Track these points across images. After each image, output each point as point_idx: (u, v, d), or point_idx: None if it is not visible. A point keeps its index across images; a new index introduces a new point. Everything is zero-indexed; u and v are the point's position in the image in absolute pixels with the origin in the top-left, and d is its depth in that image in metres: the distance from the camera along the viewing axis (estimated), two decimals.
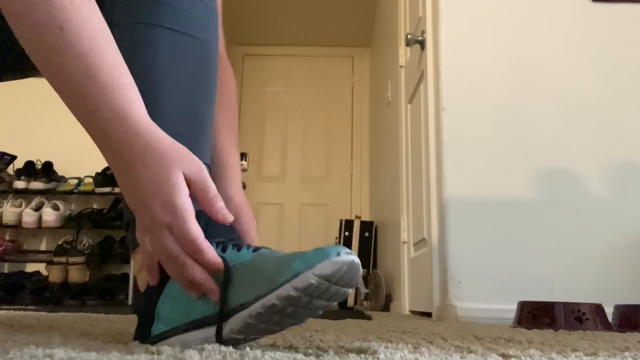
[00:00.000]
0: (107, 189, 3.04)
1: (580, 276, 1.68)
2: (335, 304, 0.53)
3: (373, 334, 0.84)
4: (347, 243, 3.33)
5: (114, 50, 0.53)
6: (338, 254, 0.49)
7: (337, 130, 4.37)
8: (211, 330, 0.52)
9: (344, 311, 2.53)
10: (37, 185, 3.06)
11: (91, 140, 0.53)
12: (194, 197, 0.52)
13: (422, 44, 2.09)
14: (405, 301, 2.36)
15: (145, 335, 0.57)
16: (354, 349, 0.56)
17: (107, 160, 0.53)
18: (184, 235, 0.49)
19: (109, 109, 0.50)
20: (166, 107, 0.62)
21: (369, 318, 1.61)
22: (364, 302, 3.06)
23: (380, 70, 3.70)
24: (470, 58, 1.86)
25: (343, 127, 4.38)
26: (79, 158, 3.19)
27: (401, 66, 2.65)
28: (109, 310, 1.87)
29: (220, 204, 0.52)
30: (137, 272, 0.62)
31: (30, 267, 3.14)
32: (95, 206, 3.19)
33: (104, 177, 3.05)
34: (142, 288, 0.59)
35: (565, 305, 1.31)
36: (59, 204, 3.05)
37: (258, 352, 0.48)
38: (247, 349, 0.50)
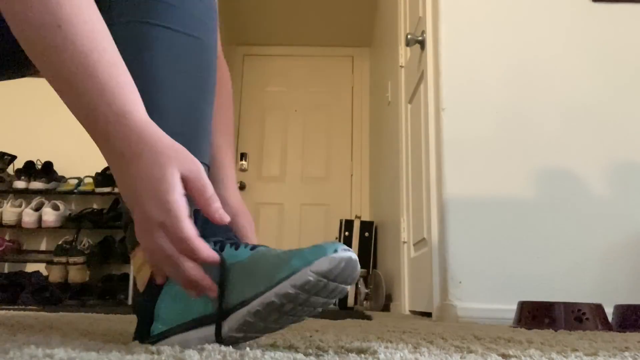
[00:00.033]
0: (107, 189, 3.04)
1: (580, 276, 1.68)
2: (334, 301, 0.53)
3: (373, 334, 0.84)
4: (347, 243, 3.33)
5: (113, 49, 0.53)
6: (335, 251, 0.49)
7: (337, 130, 4.38)
8: (210, 329, 0.52)
9: (344, 311, 2.53)
10: (37, 185, 3.06)
11: (91, 140, 0.53)
12: (191, 196, 0.52)
13: (422, 44, 2.09)
14: (405, 301, 2.36)
15: (144, 335, 0.57)
16: (354, 349, 0.56)
17: (106, 158, 0.53)
18: (177, 235, 0.49)
19: (108, 108, 0.50)
20: (165, 107, 0.62)
21: (369, 318, 1.61)
22: (364, 302, 3.06)
23: (380, 70, 3.70)
24: (470, 58, 1.86)
25: (343, 127, 4.38)
26: (79, 158, 3.19)
27: (401, 66, 2.65)
28: (109, 310, 1.87)
29: (216, 204, 0.52)
30: (137, 272, 0.62)
31: (30, 267, 3.14)
32: (95, 206, 3.19)
33: (104, 177, 3.05)
34: (141, 288, 0.59)
35: (565, 305, 1.31)
36: (59, 204, 3.05)
37: (258, 352, 0.48)
38: (247, 349, 0.50)
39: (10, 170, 3.19)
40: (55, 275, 2.84)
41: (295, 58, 4.51)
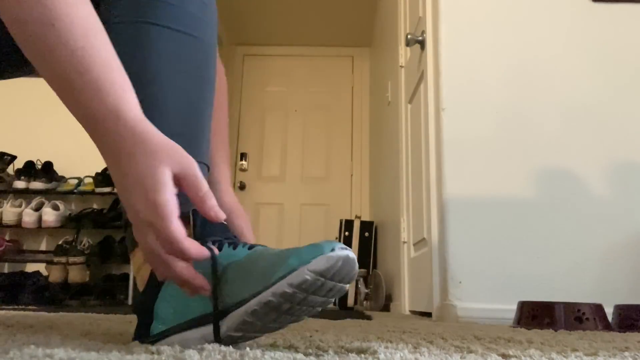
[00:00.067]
0: (107, 189, 3.04)
1: (580, 276, 1.68)
2: (333, 300, 0.53)
3: (373, 334, 0.84)
4: (347, 243, 3.33)
5: (107, 46, 0.53)
6: (332, 249, 0.49)
7: (337, 130, 4.38)
8: (209, 329, 0.52)
9: (344, 311, 2.53)
10: (37, 185, 3.06)
11: (91, 140, 0.53)
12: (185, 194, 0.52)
13: (422, 44, 2.09)
14: (405, 301, 2.36)
15: (144, 334, 0.57)
16: (354, 349, 0.56)
17: (103, 156, 0.53)
18: (165, 234, 0.49)
19: (101, 105, 0.50)
20: (165, 107, 0.62)
21: (369, 318, 1.61)
22: (364, 302, 3.06)
23: (380, 70, 3.70)
24: (470, 58, 1.86)
25: (343, 127, 4.38)
26: (79, 158, 3.19)
27: (401, 66, 2.65)
28: (109, 310, 1.87)
29: (211, 202, 0.52)
30: (136, 271, 0.62)
31: (30, 267, 3.14)
32: (95, 206, 3.19)
33: (104, 177, 3.05)
34: (140, 287, 0.59)
35: (565, 305, 1.31)
36: (59, 204, 3.05)
37: (258, 352, 0.48)
38: (247, 349, 0.50)
39: (10, 170, 3.19)
40: (55, 275, 2.83)
41: (295, 58, 4.51)
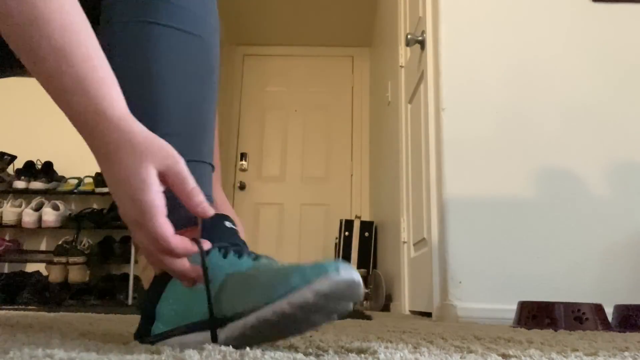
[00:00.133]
0: (107, 189, 3.04)
1: (580, 276, 1.68)
2: (335, 318, 0.51)
3: (373, 334, 0.84)
4: (347, 243, 3.33)
5: (91, 44, 0.52)
6: (337, 271, 0.47)
7: (337, 130, 4.38)
8: (208, 335, 0.52)
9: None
10: (37, 185, 3.06)
11: None
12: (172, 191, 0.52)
13: (422, 44, 2.09)
14: (405, 301, 2.36)
15: (145, 333, 0.57)
16: (354, 349, 0.56)
17: (94, 155, 0.53)
18: (151, 233, 0.49)
19: (85, 102, 0.50)
20: (168, 106, 0.61)
21: (369, 318, 1.61)
22: (364, 302, 3.06)
23: (380, 70, 3.70)
24: (470, 58, 1.86)
25: (343, 127, 4.38)
26: (79, 158, 3.19)
27: (401, 66, 2.65)
28: (109, 310, 1.87)
29: (198, 198, 0.52)
30: (142, 270, 0.62)
31: (30, 267, 3.14)
32: (95, 206, 3.19)
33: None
34: (146, 286, 0.60)
35: (565, 305, 1.31)
36: (59, 204, 3.05)
37: (258, 352, 0.47)
38: (247, 348, 0.50)
39: (10, 170, 3.19)
40: (55, 275, 2.83)
41: (295, 58, 4.51)
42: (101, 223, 3.01)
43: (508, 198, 1.74)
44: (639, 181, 1.75)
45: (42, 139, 3.35)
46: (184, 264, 0.52)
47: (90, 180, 3.13)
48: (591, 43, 1.86)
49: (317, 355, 0.50)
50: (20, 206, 3.03)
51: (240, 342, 0.50)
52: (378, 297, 2.87)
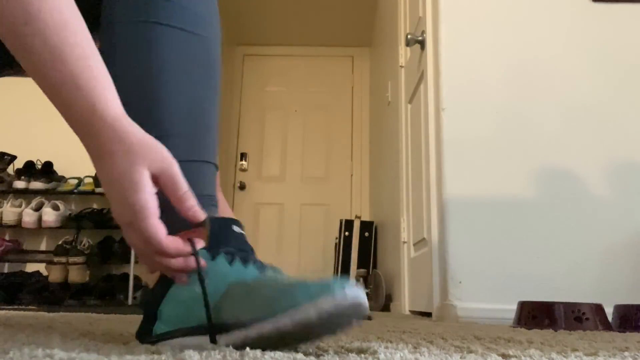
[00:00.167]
0: None
1: (580, 276, 1.68)
2: (337, 333, 0.50)
3: (373, 334, 0.84)
4: (347, 243, 3.33)
5: (86, 43, 0.52)
6: (343, 291, 0.46)
7: (337, 130, 4.38)
8: (208, 339, 0.52)
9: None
10: (37, 185, 3.06)
11: None
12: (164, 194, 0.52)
13: (422, 44, 2.09)
14: (405, 301, 2.36)
15: (147, 332, 0.57)
16: (354, 349, 0.56)
17: (89, 155, 0.53)
18: (144, 234, 0.49)
19: (79, 102, 0.50)
20: (171, 107, 0.61)
21: (369, 318, 1.61)
22: None
23: (380, 70, 3.70)
24: (470, 58, 1.86)
25: (343, 127, 4.39)
26: (79, 158, 3.19)
27: (401, 66, 2.65)
28: (109, 310, 1.87)
29: (190, 202, 0.52)
30: (148, 270, 0.62)
31: (30, 267, 3.14)
32: (95, 206, 3.19)
33: None
34: (151, 284, 0.59)
35: (565, 305, 1.31)
36: (59, 204, 3.05)
37: (258, 352, 0.47)
38: (247, 348, 0.50)
39: (10, 170, 3.19)
40: (55, 275, 2.83)
41: (295, 58, 4.51)
42: (101, 223, 3.01)
43: (508, 198, 1.74)
44: (639, 181, 1.75)
45: (42, 139, 3.35)
46: (177, 263, 0.52)
47: (90, 180, 3.13)
48: (591, 43, 1.86)
49: (317, 355, 0.50)
50: (20, 206, 3.03)
51: (240, 348, 0.50)
52: (378, 297, 2.87)
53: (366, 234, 3.35)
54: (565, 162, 1.77)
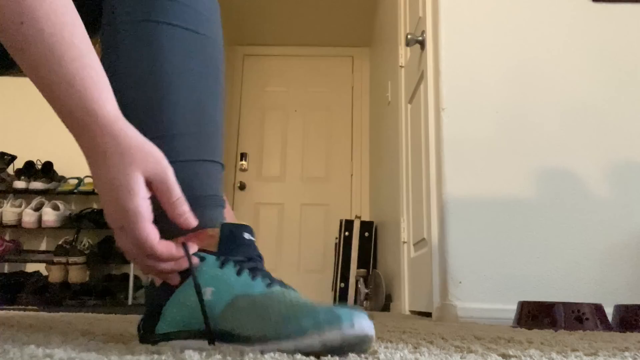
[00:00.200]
0: None
1: (580, 276, 1.68)
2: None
3: None
4: (347, 243, 3.33)
5: (83, 44, 0.51)
6: (351, 323, 0.45)
7: (337, 130, 4.38)
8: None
9: (342, 302, 2.53)
10: (37, 185, 3.06)
11: None
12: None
13: (422, 44, 2.09)
14: (405, 301, 2.36)
15: (149, 330, 0.57)
16: None
17: (83, 154, 0.53)
18: (135, 239, 0.49)
19: (74, 103, 0.50)
20: (177, 106, 0.61)
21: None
22: (364, 302, 3.06)
23: (380, 70, 3.70)
24: (470, 58, 1.86)
25: (343, 127, 4.39)
26: (79, 158, 3.19)
27: (401, 66, 2.65)
28: (109, 310, 1.87)
29: (182, 209, 0.51)
30: None
31: (30, 267, 3.14)
32: (95, 206, 3.19)
33: None
34: (157, 282, 0.59)
35: (565, 305, 1.31)
36: (59, 204, 3.05)
37: (258, 353, 0.47)
38: (247, 348, 0.50)
39: (10, 170, 3.19)
40: (55, 275, 2.83)
41: (295, 58, 4.51)
42: (101, 223, 3.01)
43: (508, 198, 1.74)
44: (639, 181, 1.75)
45: (42, 139, 3.35)
46: (167, 266, 0.52)
47: (90, 180, 3.13)
48: (591, 43, 1.86)
49: (317, 356, 0.50)
50: (20, 206, 3.03)
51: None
52: (378, 297, 2.87)
53: (366, 234, 3.35)
54: (565, 162, 1.77)
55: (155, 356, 0.44)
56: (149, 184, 0.50)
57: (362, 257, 3.29)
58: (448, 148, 1.78)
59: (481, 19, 1.89)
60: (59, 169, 3.25)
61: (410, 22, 2.48)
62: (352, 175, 4.27)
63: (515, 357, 0.55)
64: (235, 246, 0.56)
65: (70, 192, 3.13)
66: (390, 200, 2.93)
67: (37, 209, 3.03)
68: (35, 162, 3.18)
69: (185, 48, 0.63)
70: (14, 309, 1.79)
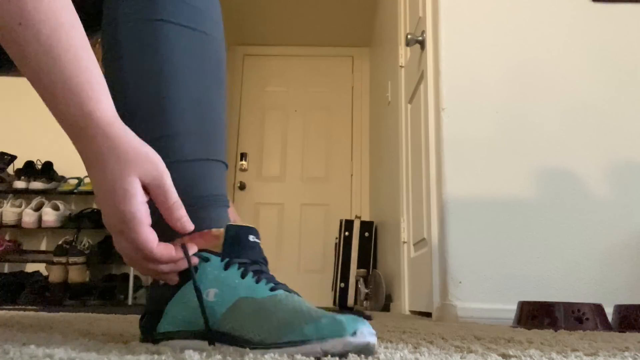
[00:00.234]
0: None
1: (580, 276, 1.68)
2: None
3: None
4: (347, 243, 3.33)
5: (80, 45, 0.51)
6: (354, 334, 0.45)
7: (337, 130, 4.38)
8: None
9: (344, 311, 2.53)
10: (37, 185, 3.06)
11: None
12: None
13: (422, 44, 2.09)
14: (405, 301, 2.36)
15: (150, 328, 0.57)
16: None
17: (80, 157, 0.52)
18: (134, 243, 0.49)
19: (70, 105, 0.49)
20: (181, 105, 0.61)
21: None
22: (364, 302, 3.06)
23: (380, 70, 3.70)
24: (470, 58, 1.86)
25: (343, 127, 4.39)
26: (79, 158, 3.16)
27: (401, 66, 2.65)
28: (109, 310, 1.87)
29: (179, 212, 0.51)
30: None
31: (30, 267, 3.14)
32: (95, 206, 3.19)
33: None
34: (161, 282, 0.59)
35: (565, 305, 1.31)
36: (59, 204, 3.05)
37: (258, 353, 0.47)
38: (247, 349, 0.50)
39: (10, 170, 3.19)
40: (55, 275, 2.83)
41: (295, 58, 4.51)
42: (101, 223, 3.00)
43: (508, 198, 1.74)
44: (639, 181, 1.75)
45: (42, 139, 3.35)
46: (166, 268, 0.52)
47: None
48: (591, 43, 1.86)
49: (318, 357, 0.50)
50: (20, 206, 3.03)
51: None
52: (378, 297, 2.87)
53: (366, 234, 3.35)
54: (565, 162, 1.77)
55: (155, 356, 0.44)
56: (146, 188, 0.50)
57: (362, 257, 3.29)
58: (448, 148, 1.78)
59: (481, 19, 1.89)
60: (59, 169, 3.25)
61: (410, 22, 2.48)
62: (352, 175, 4.27)
63: (515, 357, 0.55)
64: (240, 248, 0.56)
65: (70, 192, 3.13)
66: (390, 200, 2.93)
67: (37, 209, 3.03)
68: (35, 162, 3.18)
69: (186, 46, 0.63)
70: (14, 309, 1.79)
